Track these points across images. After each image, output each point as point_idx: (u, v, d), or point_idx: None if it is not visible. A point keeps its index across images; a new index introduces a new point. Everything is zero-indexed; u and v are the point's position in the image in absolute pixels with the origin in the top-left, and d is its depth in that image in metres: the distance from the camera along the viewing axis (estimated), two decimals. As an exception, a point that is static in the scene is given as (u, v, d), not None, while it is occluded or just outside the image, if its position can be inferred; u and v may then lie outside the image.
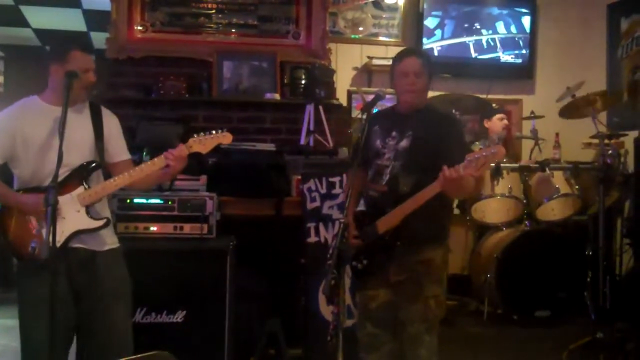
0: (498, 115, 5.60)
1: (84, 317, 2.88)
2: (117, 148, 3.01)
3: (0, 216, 2.78)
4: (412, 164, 2.92)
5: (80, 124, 2.86)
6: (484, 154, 2.60)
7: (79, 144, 2.82)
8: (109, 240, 2.95)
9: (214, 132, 2.92)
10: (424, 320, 2.96)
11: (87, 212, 2.80)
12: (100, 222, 2.83)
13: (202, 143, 2.89)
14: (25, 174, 2.81)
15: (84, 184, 2.81)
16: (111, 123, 3.01)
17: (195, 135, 2.90)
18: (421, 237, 2.94)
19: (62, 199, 2.66)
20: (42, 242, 2.60)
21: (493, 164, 4.94)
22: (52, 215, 2.45)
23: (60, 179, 2.60)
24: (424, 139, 2.94)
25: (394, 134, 3.02)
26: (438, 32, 6.40)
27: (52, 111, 2.79)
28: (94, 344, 2.91)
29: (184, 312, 3.52)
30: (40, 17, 8.04)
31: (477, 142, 5.44)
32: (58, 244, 2.58)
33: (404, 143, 2.97)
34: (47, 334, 2.53)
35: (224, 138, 2.94)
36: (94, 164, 2.86)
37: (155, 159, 2.86)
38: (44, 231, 2.67)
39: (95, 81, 2.88)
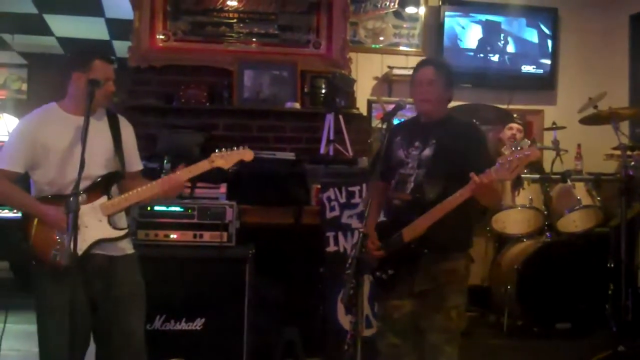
0: (508, 125, 5.55)
1: (100, 323, 2.89)
2: (132, 158, 3.05)
3: (22, 222, 2.80)
4: (436, 171, 2.91)
5: (100, 133, 2.88)
6: (517, 156, 2.59)
7: (99, 154, 2.85)
8: (126, 247, 2.97)
9: (235, 148, 2.96)
10: (444, 330, 2.93)
11: (109, 222, 2.83)
12: (122, 232, 2.87)
13: (225, 158, 2.93)
14: (44, 181, 2.83)
15: (107, 194, 2.84)
16: (128, 132, 3.04)
17: (217, 150, 2.94)
18: (446, 246, 2.92)
19: (84, 208, 2.68)
20: (64, 249, 2.63)
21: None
22: (74, 222, 2.48)
23: (83, 188, 2.62)
24: (447, 146, 2.93)
25: (416, 143, 3.01)
26: (458, 42, 6.39)
27: (72, 120, 2.82)
28: (110, 348, 2.92)
29: (203, 319, 3.54)
30: (64, 26, 8.16)
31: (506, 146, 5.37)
32: (80, 252, 2.60)
33: (427, 152, 2.96)
34: (65, 341, 2.56)
35: (246, 154, 2.99)
36: (117, 174, 2.90)
37: (154, 183, 2.89)
38: (65, 239, 2.70)
39: (114, 90, 2.92)
